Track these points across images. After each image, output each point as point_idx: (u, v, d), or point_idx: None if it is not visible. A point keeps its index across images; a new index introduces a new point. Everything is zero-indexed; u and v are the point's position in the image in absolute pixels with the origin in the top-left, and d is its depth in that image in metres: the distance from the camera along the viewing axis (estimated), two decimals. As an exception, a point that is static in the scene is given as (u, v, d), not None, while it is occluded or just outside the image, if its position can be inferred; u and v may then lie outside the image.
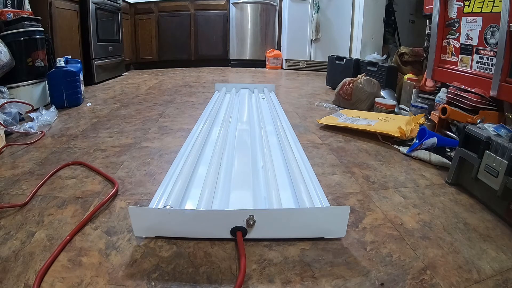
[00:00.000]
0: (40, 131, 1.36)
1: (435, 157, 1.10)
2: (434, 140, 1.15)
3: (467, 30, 1.32)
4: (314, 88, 2.60)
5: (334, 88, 2.23)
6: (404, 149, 1.20)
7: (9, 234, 0.69)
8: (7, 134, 1.29)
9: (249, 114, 1.59)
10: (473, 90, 1.24)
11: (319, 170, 1.04)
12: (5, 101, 1.42)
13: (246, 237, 0.67)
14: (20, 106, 1.48)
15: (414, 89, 1.76)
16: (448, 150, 1.15)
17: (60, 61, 1.79)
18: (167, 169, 0.98)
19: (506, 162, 0.76)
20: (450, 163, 1.00)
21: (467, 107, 1.23)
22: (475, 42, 1.28)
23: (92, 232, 0.71)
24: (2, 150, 1.17)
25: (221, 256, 0.64)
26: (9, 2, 1.78)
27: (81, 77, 1.92)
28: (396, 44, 3.56)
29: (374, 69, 2.17)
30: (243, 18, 3.82)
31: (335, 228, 0.69)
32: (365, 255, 0.65)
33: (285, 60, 3.81)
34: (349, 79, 1.92)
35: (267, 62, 3.91)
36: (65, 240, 0.66)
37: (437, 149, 1.16)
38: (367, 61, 2.32)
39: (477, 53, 1.28)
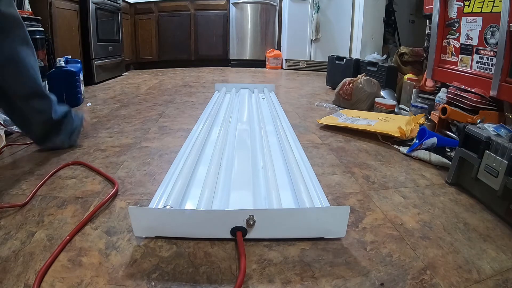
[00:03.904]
0: (40, 131, 1.36)
1: (435, 157, 1.10)
2: (434, 140, 1.15)
3: (467, 30, 1.32)
4: (314, 88, 2.60)
5: (334, 88, 2.23)
6: (404, 149, 1.20)
7: (9, 234, 0.69)
8: (7, 134, 1.29)
9: (249, 114, 1.59)
10: (473, 90, 1.24)
11: (319, 170, 1.04)
12: (5, 101, 1.42)
13: (246, 237, 0.67)
14: (20, 106, 1.48)
15: (414, 89, 1.76)
16: (448, 150, 1.15)
17: (60, 61, 1.79)
18: (167, 169, 0.98)
19: (506, 162, 0.76)
20: (450, 163, 1.00)
21: (467, 107, 1.23)
22: (475, 42, 1.28)
23: (92, 232, 0.71)
24: (2, 150, 1.17)
25: (221, 256, 0.64)
26: (9, 2, 1.78)
27: (81, 77, 1.92)
28: (396, 44, 3.56)
29: (374, 69, 2.17)
30: (243, 18, 3.82)
31: (335, 228, 0.69)
32: (365, 255, 0.65)
33: (285, 60, 3.82)
34: (349, 79, 1.92)
35: (267, 62, 3.91)
36: (65, 240, 0.66)
37: (437, 149, 1.16)
38: (367, 61, 2.32)
39: (477, 53, 1.28)
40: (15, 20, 0.99)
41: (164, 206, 0.72)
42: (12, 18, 0.98)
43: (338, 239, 0.70)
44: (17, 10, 1.01)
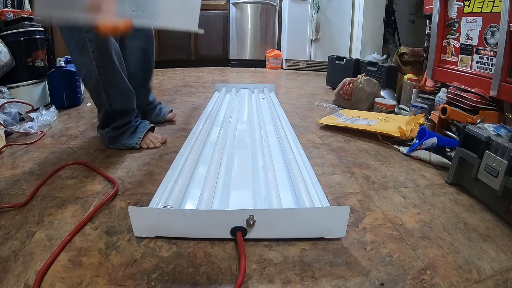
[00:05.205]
0: (40, 131, 1.36)
1: (435, 157, 1.10)
2: (434, 140, 1.15)
3: (467, 30, 1.32)
4: (314, 88, 2.60)
5: (334, 88, 2.23)
6: (404, 149, 1.20)
7: (9, 234, 0.69)
8: (7, 134, 1.29)
9: (249, 114, 1.59)
10: (473, 90, 1.24)
11: (319, 170, 1.04)
12: (5, 101, 1.42)
13: (246, 237, 0.67)
14: (20, 106, 1.48)
15: (414, 89, 1.76)
16: (448, 150, 1.15)
17: (60, 61, 1.79)
18: (167, 169, 0.98)
19: (506, 162, 0.76)
20: (450, 163, 1.00)
21: (467, 107, 1.23)
22: (475, 42, 1.28)
23: (92, 232, 0.71)
24: (2, 150, 1.17)
25: (221, 256, 0.64)
26: (9, 2, 1.78)
27: (81, 77, 1.92)
28: (396, 44, 3.56)
29: (374, 69, 2.17)
30: (243, 18, 3.82)
31: (335, 228, 0.69)
32: (365, 255, 0.65)
33: (285, 60, 3.81)
34: (349, 79, 1.92)
35: (267, 62, 3.91)
36: (65, 240, 0.66)
37: (437, 149, 1.16)
38: (367, 61, 2.32)
39: (477, 53, 1.28)
40: None
41: (164, 206, 0.72)
42: None
43: (338, 239, 0.70)
44: None
